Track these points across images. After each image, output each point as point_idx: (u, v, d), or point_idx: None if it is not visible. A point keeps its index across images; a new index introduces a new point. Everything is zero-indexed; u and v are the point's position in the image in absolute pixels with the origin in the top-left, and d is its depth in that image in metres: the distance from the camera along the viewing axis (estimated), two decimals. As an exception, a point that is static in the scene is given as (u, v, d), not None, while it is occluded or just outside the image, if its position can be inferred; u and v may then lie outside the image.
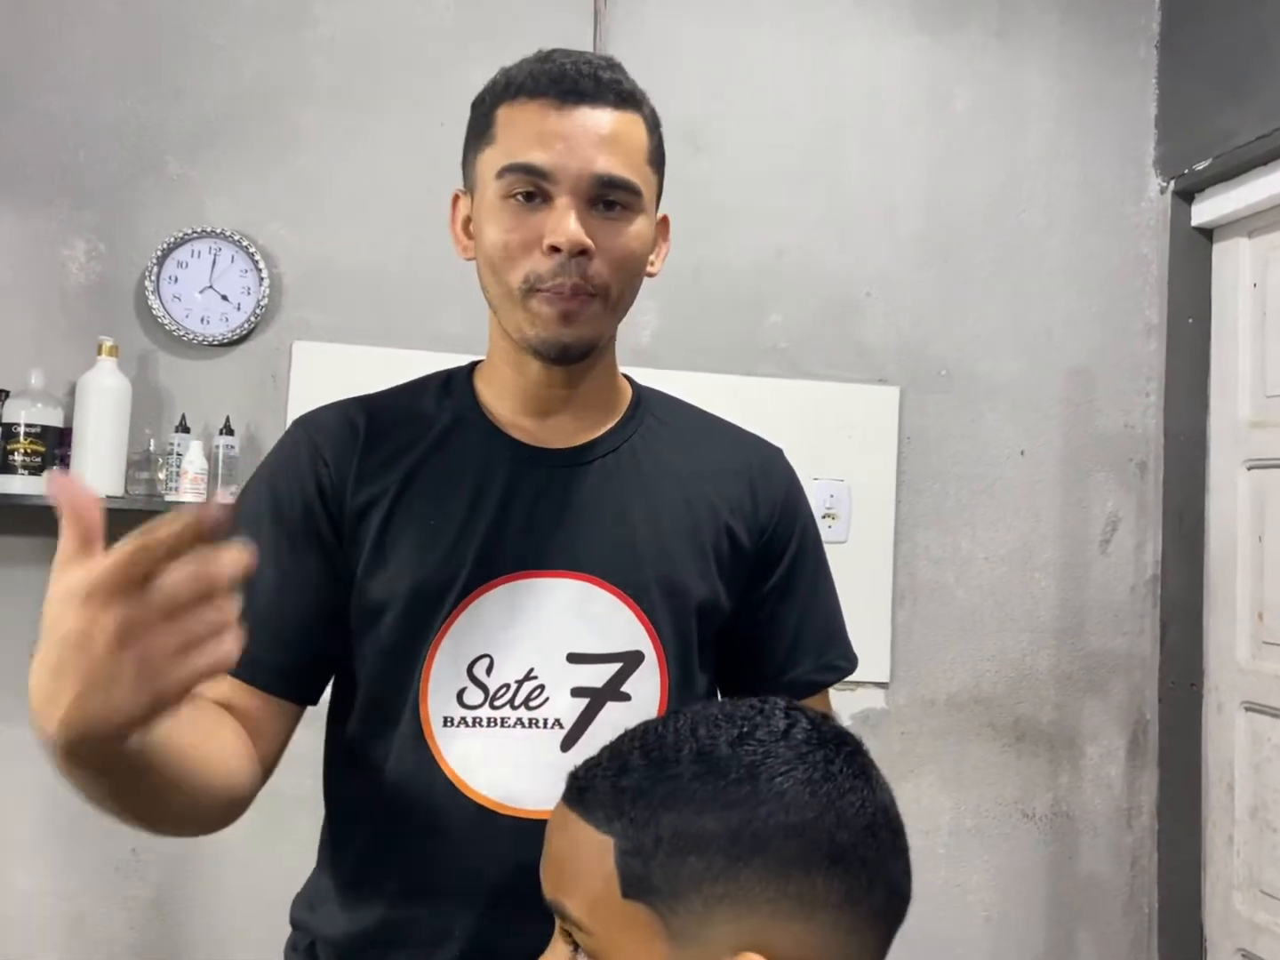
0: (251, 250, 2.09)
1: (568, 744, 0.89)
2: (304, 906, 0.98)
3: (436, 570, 0.90)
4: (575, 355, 0.91)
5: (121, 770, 0.65)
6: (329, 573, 0.91)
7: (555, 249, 0.86)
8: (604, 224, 0.88)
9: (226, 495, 2.01)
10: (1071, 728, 2.34)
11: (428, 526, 0.91)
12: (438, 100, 2.19)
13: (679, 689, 0.93)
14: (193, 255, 2.09)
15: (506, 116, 0.89)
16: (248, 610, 0.86)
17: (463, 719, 0.89)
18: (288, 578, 0.90)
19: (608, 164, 0.87)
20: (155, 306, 2.06)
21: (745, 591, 0.99)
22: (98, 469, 1.94)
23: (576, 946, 0.60)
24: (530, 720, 0.89)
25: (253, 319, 2.09)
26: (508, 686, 0.90)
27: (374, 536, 0.91)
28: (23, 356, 2.00)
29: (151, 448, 2.03)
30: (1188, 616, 2.32)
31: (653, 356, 2.18)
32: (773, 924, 0.57)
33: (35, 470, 1.91)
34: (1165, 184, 2.39)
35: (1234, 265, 2.28)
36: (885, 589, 2.28)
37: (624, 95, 0.90)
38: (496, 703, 0.89)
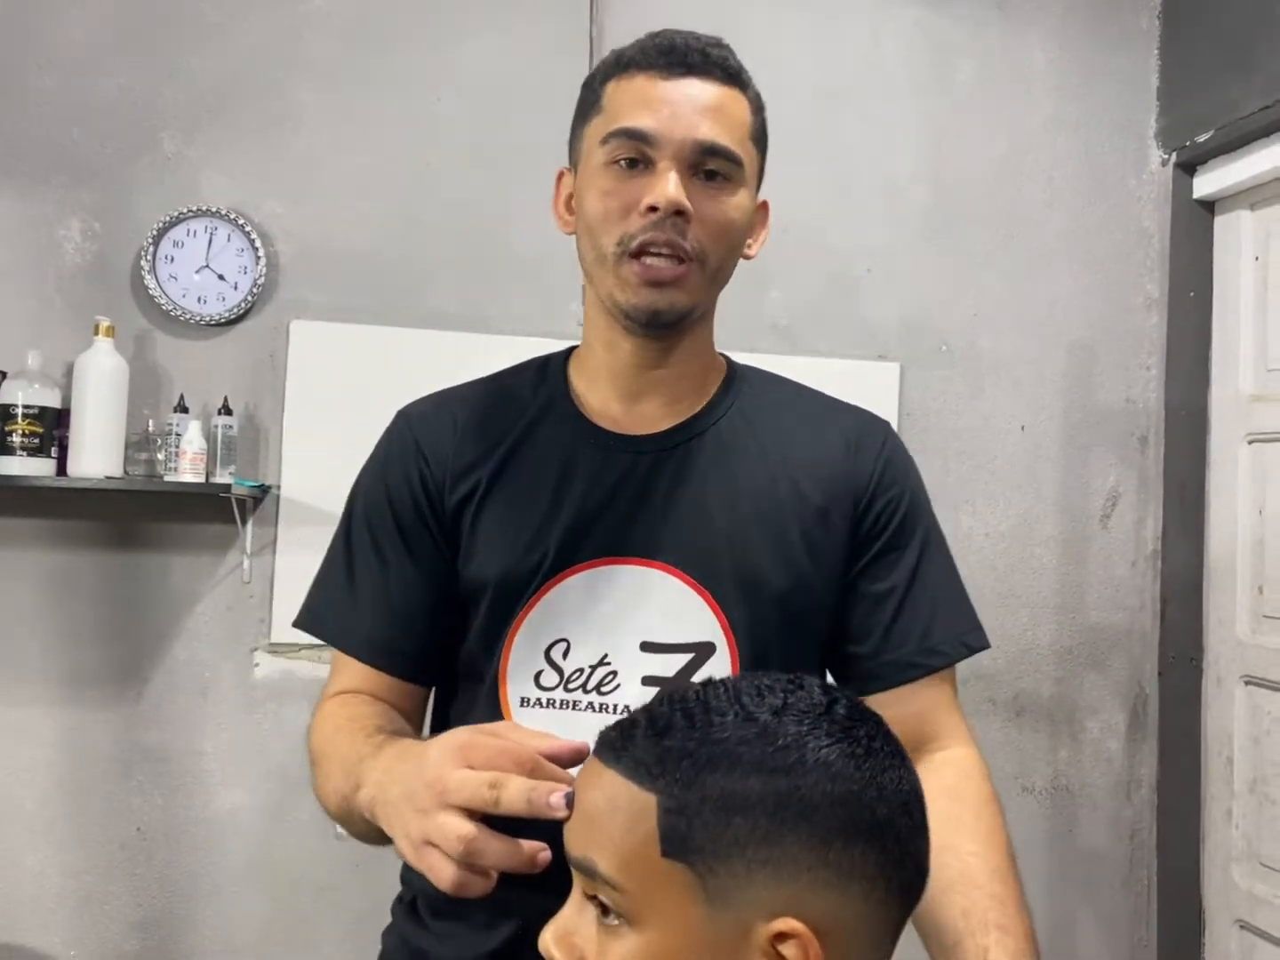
0: (248, 229, 2.08)
1: None
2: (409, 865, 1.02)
3: (522, 559, 0.92)
4: (667, 322, 0.91)
5: None
6: (442, 562, 0.95)
7: (653, 209, 0.86)
8: (704, 191, 0.88)
9: (227, 469, 2.00)
10: (1072, 702, 2.35)
11: (514, 517, 0.93)
12: (434, 76, 2.17)
13: None
14: (189, 234, 2.08)
15: (614, 89, 0.90)
16: (385, 598, 0.93)
17: (538, 700, 0.91)
18: (411, 569, 0.95)
19: (710, 131, 0.87)
20: (151, 286, 2.05)
21: (845, 572, 0.97)
22: (96, 450, 1.93)
23: (605, 909, 0.60)
24: (600, 705, 0.91)
25: (250, 298, 2.08)
26: (581, 671, 0.91)
27: (469, 527, 0.94)
28: (19, 337, 1.99)
29: (150, 428, 2.02)
30: (1188, 591, 2.32)
31: (652, 333, 2.17)
32: (810, 892, 0.57)
33: (33, 451, 1.90)
34: (1167, 156, 2.37)
35: (1236, 238, 2.27)
36: (886, 565, 2.28)
37: (731, 72, 0.90)
38: (570, 686, 0.91)
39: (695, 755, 0.58)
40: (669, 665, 0.91)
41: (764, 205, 0.99)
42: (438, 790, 0.66)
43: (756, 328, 2.25)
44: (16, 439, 1.89)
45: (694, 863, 0.57)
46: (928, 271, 2.33)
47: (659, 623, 0.91)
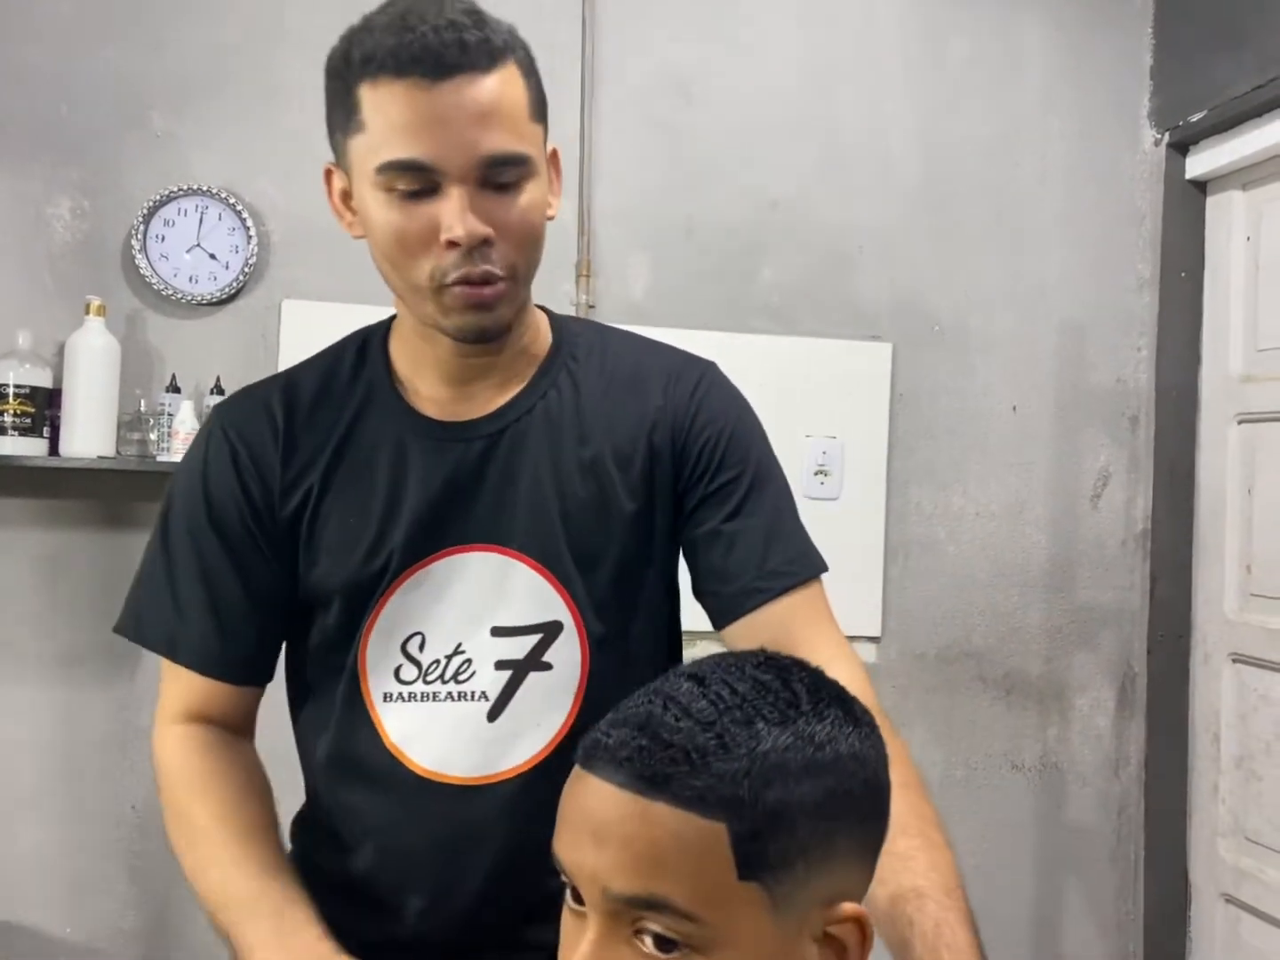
0: (239, 208, 2.07)
1: (494, 714, 0.92)
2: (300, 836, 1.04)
3: (365, 563, 0.92)
4: (494, 337, 0.90)
5: None
6: (271, 574, 0.94)
7: (455, 243, 0.82)
8: (499, 202, 0.84)
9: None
10: (1061, 680, 2.37)
11: (351, 522, 0.93)
12: (425, 53, 2.15)
13: (600, 654, 0.94)
14: (179, 213, 2.07)
15: (372, 100, 0.82)
16: (211, 612, 0.92)
17: (399, 694, 0.93)
18: (237, 584, 0.94)
19: (493, 142, 0.82)
20: (142, 265, 2.04)
21: (680, 516, 0.98)
22: (88, 430, 1.93)
23: (664, 942, 0.57)
24: (459, 694, 0.92)
25: (241, 278, 2.08)
26: (438, 662, 0.93)
27: (305, 535, 0.93)
28: (10, 317, 1.98)
29: (142, 408, 2.02)
30: (1177, 569, 2.34)
31: (644, 313, 2.17)
32: (849, 873, 0.60)
33: (25, 431, 1.90)
34: (1160, 136, 2.37)
35: (1227, 218, 2.28)
36: (877, 545, 2.29)
37: (494, 53, 0.82)
38: (429, 678, 0.93)
39: (751, 774, 0.57)
40: (520, 647, 0.93)
41: (553, 155, 0.92)
42: None
43: (749, 308, 2.25)
44: (8, 419, 1.89)
45: (764, 878, 0.57)
46: (920, 251, 2.33)
47: (507, 607, 0.92)
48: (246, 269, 2.07)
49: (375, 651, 0.93)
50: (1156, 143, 2.38)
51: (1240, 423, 2.23)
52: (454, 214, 0.82)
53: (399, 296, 0.91)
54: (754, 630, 0.94)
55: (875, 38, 2.32)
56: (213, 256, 2.07)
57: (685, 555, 0.99)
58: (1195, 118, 2.24)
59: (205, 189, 2.07)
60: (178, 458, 1.95)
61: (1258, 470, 2.18)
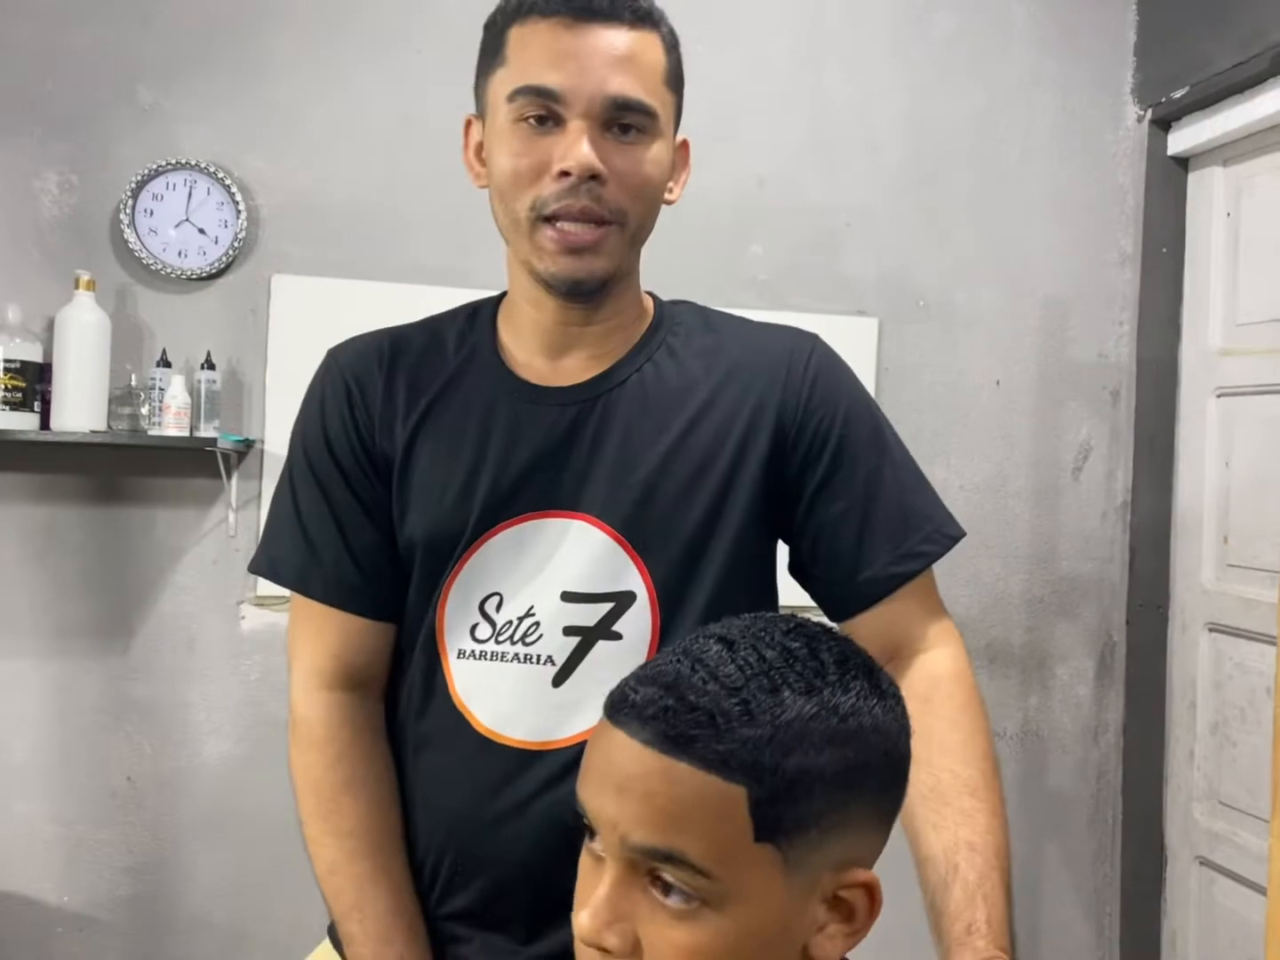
0: (228, 183, 2.07)
1: (559, 680, 0.92)
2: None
3: (448, 518, 0.93)
4: (590, 290, 0.91)
5: None
6: (387, 503, 0.97)
7: (566, 173, 0.85)
8: (619, 148, 0.87)
9: (211, 430, 2.02)
10: (1042, 649, 2.41)
11: (439, 475, 0.94)
12: (415, 28, 2.15)
13: (670, 629, 0.93)
14: (168, 187, 2.06)
15: (518, 37, 0.87)
16: (341, 546, 0.95)
17: (473, 652, 0.94)
18: (360, 513, 0.96)
19: (622, 85, 0.85)
20: (131, 240, 2.04)
21: (792, 499, 0.96)
22: (79, 404, 1.93)
23: (675, 892, 0.59)
24: (526, 656, 0.92)
25: (231, 252, 2.08)
26: (511, 623, 0.93)
27: (398, 481, 0.95)
28: (-2, 291, 1.98)
29: (133, 383, 2.03)
30: (1156, 541, 2.38)
31: (633, 288, 2.19)
32: (863, 840, 0.62)
33: (16, 406, 1.91)
34: (1143, 112, 2.39)
35: (1208, 194, 2.30)
36: (862, 517, 2.32)
37: (640, 14, 0.87)
38: (500, 638, 0.93)
39: (774, 741, 0.58)
40: (590, 615, 0.92)
41: (684, 145, 0.97)
42: None
43: (736, 283, 2.27)
44: (-1, 393, 1.90)
45: (779, 841, 0.59)
46: (906, 226, 2.35)
47: (580, 573, 0.92)
48: (236, 244, 2.08)
49: (454, 608, 0.94)
50: (1139, 119, 2.40)
51: (1219, 396, 2.27)
52: (569, 145, 0.85)
53: (507, 243, 0.93)
54: (879, 614, 0.95)
55: (861, 13, 2.32)
56: (202, 231, 2.08)
57: (808, 537, 0.98)
58: (1178, 94, 2.26)
59: (194, 163, 2.07)
60: (169, 432, 1.97)
61: (1236, 443, 2.22)
